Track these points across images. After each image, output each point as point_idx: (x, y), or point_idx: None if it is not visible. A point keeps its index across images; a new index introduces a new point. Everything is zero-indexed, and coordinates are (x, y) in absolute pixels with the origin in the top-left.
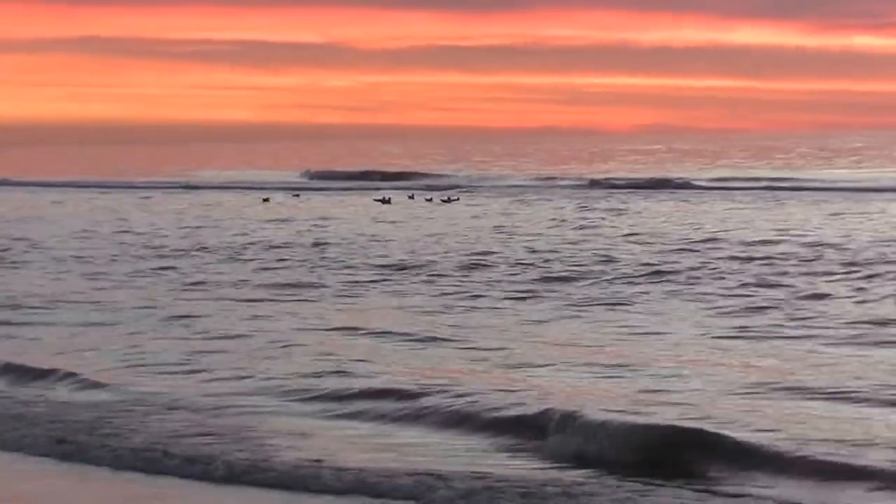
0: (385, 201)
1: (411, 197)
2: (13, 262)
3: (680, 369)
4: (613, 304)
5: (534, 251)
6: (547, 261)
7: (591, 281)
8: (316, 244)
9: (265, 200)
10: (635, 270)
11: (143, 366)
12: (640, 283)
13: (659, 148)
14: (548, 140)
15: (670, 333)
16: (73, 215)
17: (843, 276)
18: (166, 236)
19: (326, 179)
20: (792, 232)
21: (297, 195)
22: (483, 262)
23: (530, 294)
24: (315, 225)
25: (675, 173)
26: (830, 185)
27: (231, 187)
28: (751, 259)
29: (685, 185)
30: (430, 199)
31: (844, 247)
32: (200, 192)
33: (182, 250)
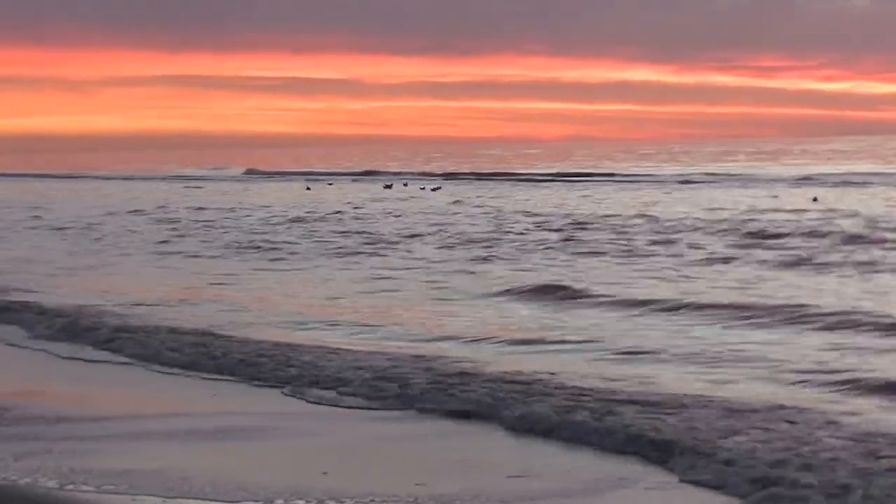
0: (388, 187)
1: (405, 185)
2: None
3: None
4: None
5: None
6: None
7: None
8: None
9: (308, 189)
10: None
11: None
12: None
13: (573, 150)
14: (498, 146)
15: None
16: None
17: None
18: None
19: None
20: (539, 207)
21: (331, 183)
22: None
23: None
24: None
25: (538, 169)
26: (636, 178)
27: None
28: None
29: (528, 178)
30: (423, 188)
31: (573, 217)
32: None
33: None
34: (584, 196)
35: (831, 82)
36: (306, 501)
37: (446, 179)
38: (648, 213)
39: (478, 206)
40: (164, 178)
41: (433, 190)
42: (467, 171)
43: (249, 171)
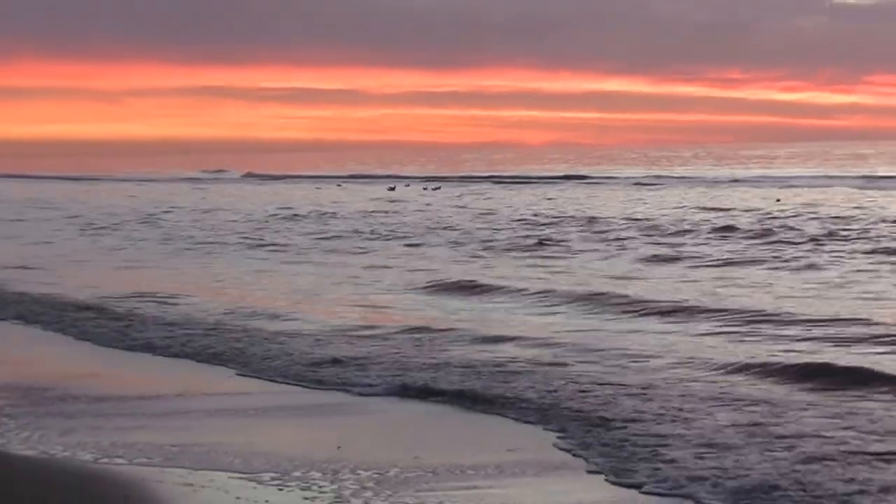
0: (391, 189)
1: (407, 185)
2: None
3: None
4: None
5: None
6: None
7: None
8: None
9: (338, 186)
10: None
11: None
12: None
13: (558, 157)
14: (487, 150)
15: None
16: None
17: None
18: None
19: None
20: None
21: (341, 185)
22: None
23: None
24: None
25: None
26: (604, 180)
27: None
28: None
29: (498, 179)
30: (426, 188)
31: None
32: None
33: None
34: (550, 199)
35: (790, 93)
36: (322, 473)
37: (443, 181)
38: (591, 213)
39: (462, 206)
40: (182, 179)
41: (434, 189)
42: (462, 174)
43: (248, 175)
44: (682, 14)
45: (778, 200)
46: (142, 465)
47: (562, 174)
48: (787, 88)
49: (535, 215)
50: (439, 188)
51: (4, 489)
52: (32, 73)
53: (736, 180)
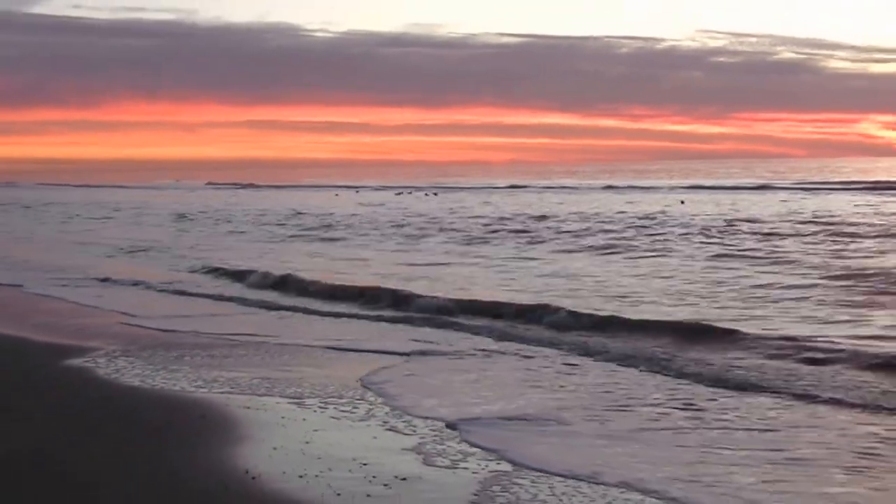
0: (399, 194)
1: (410, 192)
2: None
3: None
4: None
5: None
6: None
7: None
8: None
9: (356, 192)
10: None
11: None
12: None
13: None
14: (463, 167)
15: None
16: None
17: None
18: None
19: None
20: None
21: (358, 191)
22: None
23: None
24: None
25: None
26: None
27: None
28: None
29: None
30: (426, 194)
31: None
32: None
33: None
34: (518, 200)
35: (680, 125)
36: (351, 399)
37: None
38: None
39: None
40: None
41: (434, 194)
42: (442, 185)
43: (210, 183)
44: (603, 69)
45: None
46: (216, 394)
47: (508, 184)
48: (677, 122)
49: (452, 212)
50: (436, 194)
51: (108, 406)
52: (132, 111)
53: (609, 187)
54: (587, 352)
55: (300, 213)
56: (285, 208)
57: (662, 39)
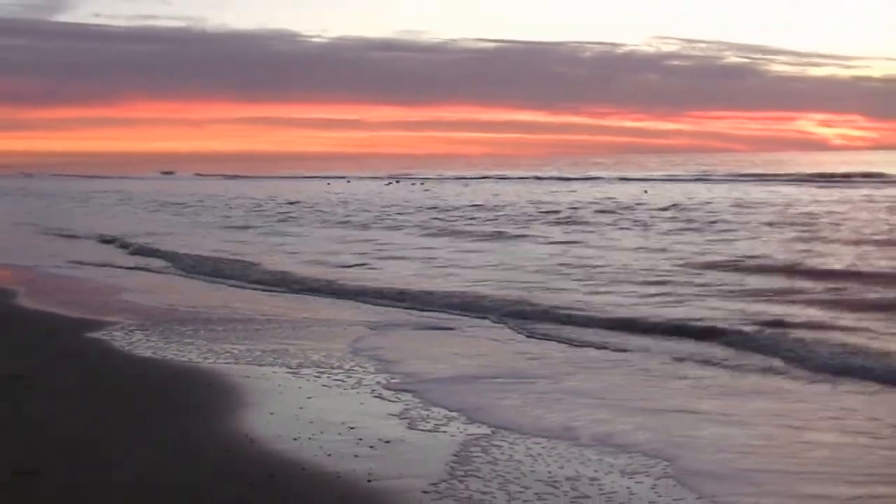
0: (388, 184)
1: (398, 182)
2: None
3: None
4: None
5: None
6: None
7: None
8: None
9: (347, 182)
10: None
11: None
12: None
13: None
14: (445, 160)
15: None
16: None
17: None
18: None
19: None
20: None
21: (349, 181)
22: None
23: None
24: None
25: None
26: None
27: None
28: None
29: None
30: (415, 184)
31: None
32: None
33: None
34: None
35: (639, 122)
36: (345, 369)
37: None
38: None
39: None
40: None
41: (422, 183)
42: (430, 176)
43: (165, 173)
44: (568, 72)
45: (645, 192)
46: (220, 364)
47: (481, 175)
48: (636, 119)
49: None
50: (423, 184)
51: (119, 372)
52: (144, 108)
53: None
54: None
55: (271, 201)
56: (266, 196)
57: (622, 45)
